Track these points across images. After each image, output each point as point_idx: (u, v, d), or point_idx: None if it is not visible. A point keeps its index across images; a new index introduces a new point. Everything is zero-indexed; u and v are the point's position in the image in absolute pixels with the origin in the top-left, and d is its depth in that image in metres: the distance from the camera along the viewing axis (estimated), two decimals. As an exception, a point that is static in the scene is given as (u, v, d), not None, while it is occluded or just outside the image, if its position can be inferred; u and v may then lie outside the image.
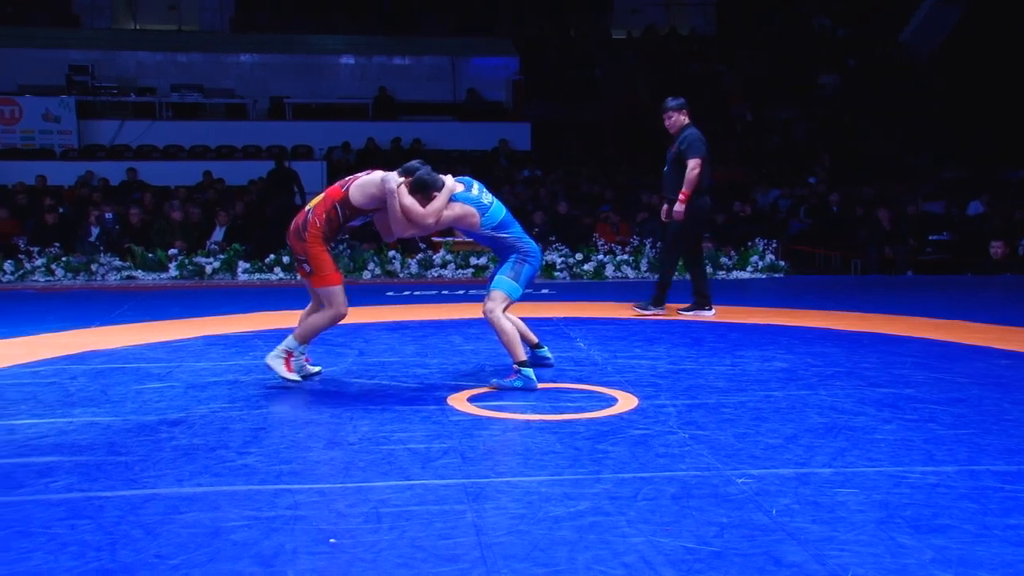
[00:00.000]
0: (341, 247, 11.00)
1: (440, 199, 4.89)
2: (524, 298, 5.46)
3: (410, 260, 11.12)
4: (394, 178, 4.84)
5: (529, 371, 4.92)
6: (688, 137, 7.32)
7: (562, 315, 7.69)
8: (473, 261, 11.05)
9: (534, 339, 5.34)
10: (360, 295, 9.02)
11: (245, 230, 12.14)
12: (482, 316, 5.04)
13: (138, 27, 20.28)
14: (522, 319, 5.28)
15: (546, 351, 5.40)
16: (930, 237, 12.75)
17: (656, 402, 4.63)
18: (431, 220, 4.88)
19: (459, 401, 4.67)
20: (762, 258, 11.19)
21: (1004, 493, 3.27)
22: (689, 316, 7.53)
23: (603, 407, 4.55)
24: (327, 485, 3.41)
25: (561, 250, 11.20)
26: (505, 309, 4.96)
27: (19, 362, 5.73)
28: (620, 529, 2.96)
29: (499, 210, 5.04)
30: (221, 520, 3.05)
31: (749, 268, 11.13)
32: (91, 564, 2.72)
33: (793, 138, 17.91)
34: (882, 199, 13.53)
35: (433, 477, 3.47)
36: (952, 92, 18.33)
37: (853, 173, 15.69)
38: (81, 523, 3.03)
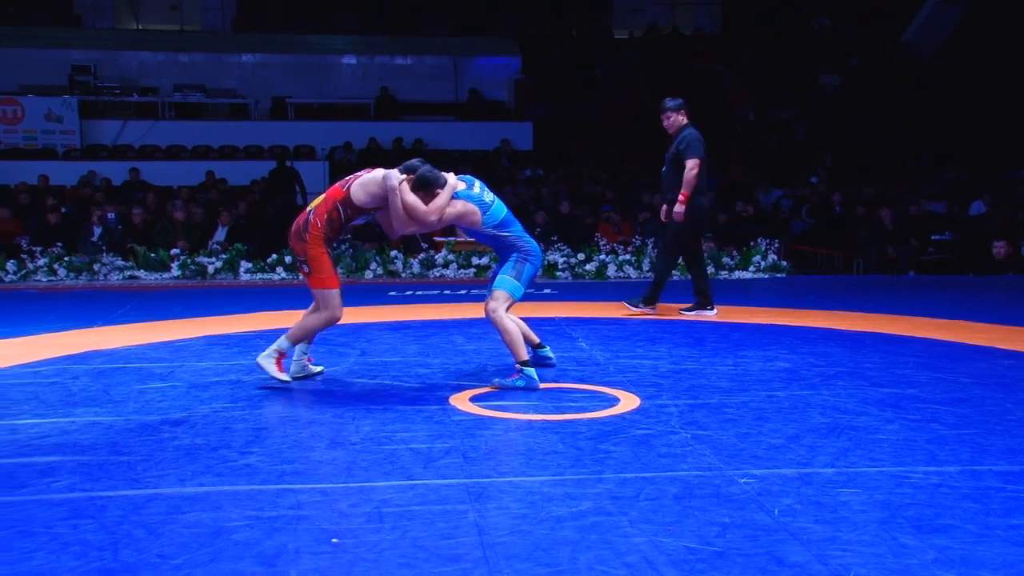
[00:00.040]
0: (343, 247, 11.01)
1: (443, 196, 4.89)
2: (526, 298, 5.46)
3: (412, 260, 11.13)
4: (395, 175, 4.85)
5: (531, 371, 4.92)
6: (686, 137, 7.32)
7: (564, 315, 7.68)
8: (475, 261, 11.05)
9: (536, 339, 5.34)
10: (362, 295, 9.04)
11: (247, 230, 12.14)
12: (484, 316, 5.04)
13: (140, 27, 20.30)
14: (524, 319, 5.28)
15: (548, 351, 5.41)
16: (932, 237, 12.73)
17: (658, 402, 4.63)
18: (434, 217, 4.88)
19: (461, 401, 4.67)
20: (764, 258, 11.19)
21: (1006, 493, 3.27)
22: (691, 316, 7.53)
23: (605, 407, 4.55)
24: (329, 485, 3.41)
25: (563, 250, 11.19)
26: (508, 309, 4.96)
27: (21, 362, 5.73)
28: (622, 529, 2.95)
29: (500, 209, 5.05)
30: (223, 520, 3.05)
31: (751, 268, 11.12)
32: (93, 564, 2.72)
33: (794, 138, 17.90)
34: (884, 199, 13.52)
35: (435, 477, 3.47)
36: (954, 92, 18.31)
37: (855, 173, 15.69)
38: (83, 523, 3.03)
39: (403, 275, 11.05)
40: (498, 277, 5.04)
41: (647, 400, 4.67)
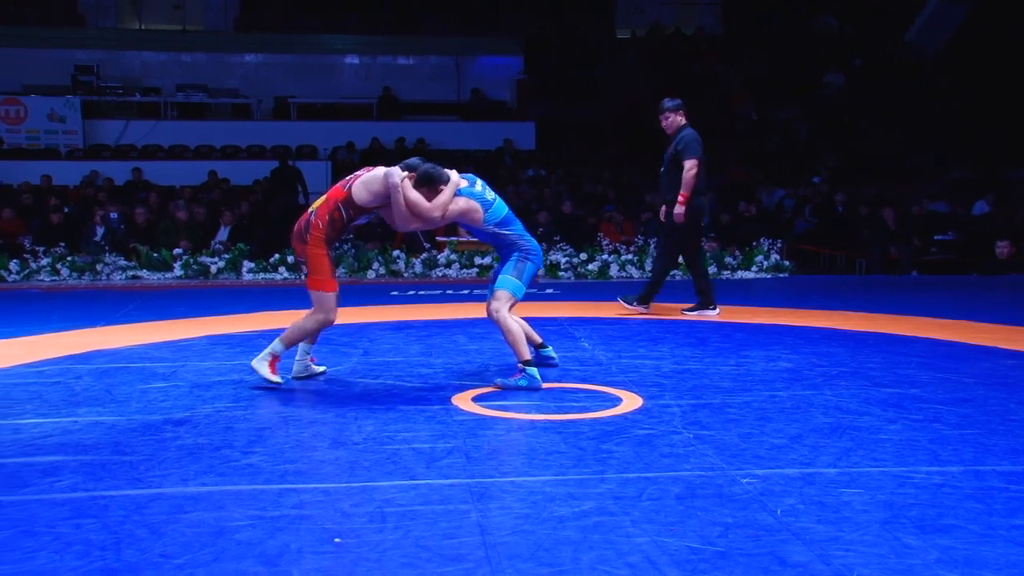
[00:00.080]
0: (346, 247, 11.01)
1: (447, 193, 4.90)
2: (529, 298, 5.47)
3: (414, 260, 11.13)
4: (397, 173, 4.85)
5: (533, 370, 4.92)
6: (685, 138, 7.32)
7: (566, 315, 7.68)
8: (477, 261, 11.05)
9: (538, 339, 5.34)
10: (364, 295, 9.04)
11: (250, 230, 12.15)
12: (486, 316, 5.04)
13: (143, 27, 20.32)
14: (527, 319, 5.29)
15: (550, 351, 5.41)
16: (935, 237, 12.72)
17: (660, 402, 4.63)
18: (438, 213, 4.89)
19: (463, 401, 4.67)
20: (767, 258, 11.19)
21: (1009, 493, 3.27)
22: (693, 316, 7.53)
23: (607, 407, 4.55)
24: (332, 485, 3.41)
25: (565, 250, 11.19)
26: (510, 308, 4.97)
27: (24, 361, 5.74)
28: (624, 529, 2.95)
29: (501, 207, 5.06)
30: (226, 519, 3.05)
31: (754, 268, 11.12)
32: (96, 563, 2.72)
33: (796, 138, 17.88)
34: (887, 199, 13.50)
35: (437, 477, 3.47)
36: (957, 91, 18.29)
37: (857, 173, 15.68)
38: (86, 522, 3.03)
39: (405, 275, 11.05)
40: (500, 277, 5.04)
41: (650, 400, 4.66)
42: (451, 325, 7.23)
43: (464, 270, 11.02)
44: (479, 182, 5.11)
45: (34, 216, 12.69)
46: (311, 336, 5.15)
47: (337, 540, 2.88)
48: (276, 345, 5.00)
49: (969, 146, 16.70)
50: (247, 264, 10.96)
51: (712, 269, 10.59)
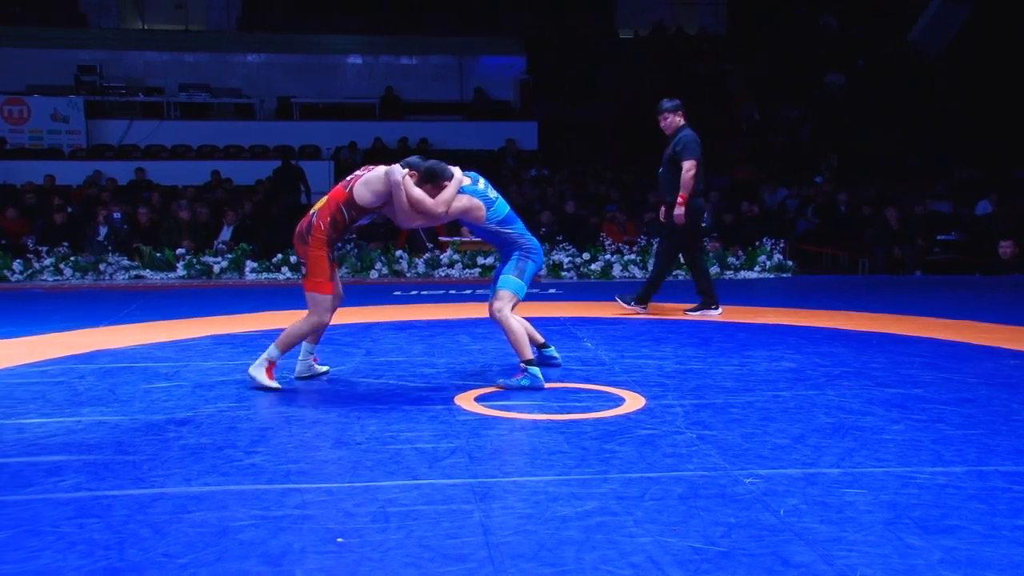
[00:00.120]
0: (348, 247, 11.02)
1: (450, 189, 4.90)
2: (531, 298, 5.47)
3: (417, 260, 11.13)
4: (399, 171, 4.85)
5: (536, 370, 4.92)
6: (683, 139, 7.31)
7: (569, 315, 7.68)
8: (480, 261, 11.05)
9: (541, 339, 5.35)
10: (367, 295, 9.05)
11: (253, 229, 12.16)
12: (488, 316, 5.04)
13: (145, 27, 20.35)
14: (529, 319, 5.29)
15: (553, 351, 5.41)
16: (938, 237, 12.70)
17: (663, 402, 4.63)
18: (442, 210, 4.89)
19: (466, 400, 4.67)
20: (770, 258, 11.18)
21: (1013, 494, 3.26)
22: (696, 316, 7.52)
23: (610, 407, 4.55)
24: (334, 484, 3.41)
25: (568, 250, 11.19)
26: (512, 308, 4.97)
27: (27, 361, 5.75)
28: (627, 529, 2.95)
29: (503, 206, 5.07)
30: (229, 519, 3.05)
31: (757, 268, 11.11)
32: (99, 563, 2.73)
33: (799, 138, 17.87)
34: (889, 199, 13.49)
35: (440, 477, 3.48)
36: (960, 91, 18.27)
37: (860, 173, 15.66)
38: (89, 522, 3.04)
39: (408, 275, 11.05)
40: (501, 277, 5.04)
41: (652, 400, 4.66)
42: (454, 325, 7.23)
43: (467, 270, 11.02)
44: (482, 180, 5.12)
45: (37, 216, 12.71)
46: (312, 336, 5.14)
47: (340, 540, 2.88)
48: (272, 351, 4.98)
49: (972, 145, 16.68)
50: (250, 264, 10.97)
51: (715, 269, 10.60)
